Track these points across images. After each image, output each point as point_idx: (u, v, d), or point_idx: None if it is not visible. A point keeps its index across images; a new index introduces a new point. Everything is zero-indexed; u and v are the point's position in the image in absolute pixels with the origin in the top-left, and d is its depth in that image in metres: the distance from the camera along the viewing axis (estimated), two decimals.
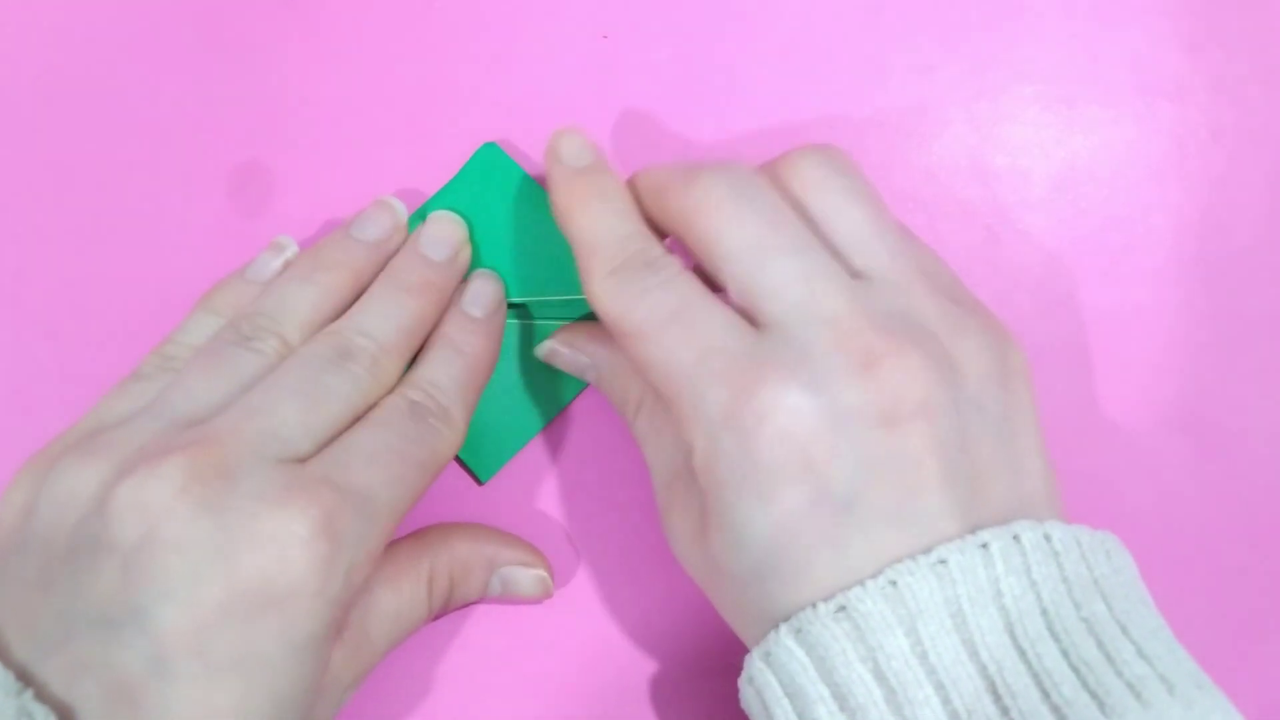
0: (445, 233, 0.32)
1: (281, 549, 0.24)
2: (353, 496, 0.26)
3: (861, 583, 0.24)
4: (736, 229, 0.26)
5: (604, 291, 0.27)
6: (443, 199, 0.33)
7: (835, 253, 0.27)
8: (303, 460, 0.26)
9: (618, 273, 0.27)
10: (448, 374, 0.30)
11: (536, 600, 0.32)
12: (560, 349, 0.32)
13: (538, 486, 0.33)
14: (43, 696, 0.24)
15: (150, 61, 0.34)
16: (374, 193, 0.34)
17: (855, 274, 0.26)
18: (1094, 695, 0.22)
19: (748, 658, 0.26)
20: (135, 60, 0.34)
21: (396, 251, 0.31)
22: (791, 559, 0.24)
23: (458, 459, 0.33)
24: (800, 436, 0.24)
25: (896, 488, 0.24)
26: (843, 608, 0.24)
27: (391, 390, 0.29)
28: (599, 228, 0.28)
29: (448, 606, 0.31)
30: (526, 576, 0.31)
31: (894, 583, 0.23)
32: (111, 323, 0.33)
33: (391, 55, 0.35)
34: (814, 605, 0.24)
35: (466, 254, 0.32)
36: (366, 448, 0.27)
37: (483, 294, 0.31)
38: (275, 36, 0.35)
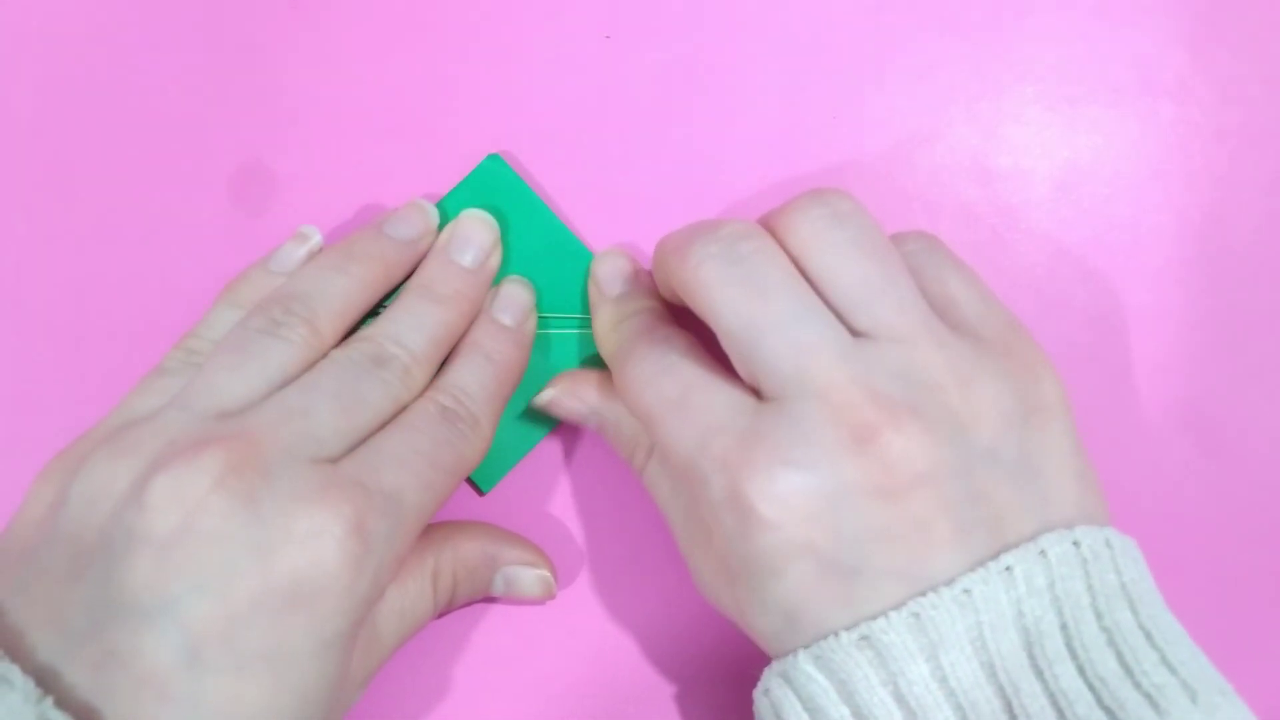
0: (476, 235, 0.31)
1: (316, 547, 0.25)
2: (383, 498, 0.26)
3: (885, 614, 0.24)
4: (728, 307, 0.26)
5: (621, 382, 0.29)
6: (444, 208, 0.33)
7: (837, 312, 0.26)
8: (333, 461, 0.26)
9: (624, 359, 0.29)
10: (478, 381, 0.30)
11: (539, 600, 0.32)
12: (561, 399, 0.31)
13: (542, 488, 0.33)
14: (66, 698, 0.23)
15: (152, 61, 0.34)
16: (376, 192, 0.34)
17: (858, 333, 0.26)
18: (1109, 711, 0.23)
19: (766, 671, 0.26)
20: (137, 59, 0.34)
21: (427, 252, 0.31)
22: (808, 619, 0.25)
23: None
24: (796, 517, 0.24)
25: (906, 551, 0.24)
26: (865, 638, 0.24)
27: (421, 394, 0.29)
28: (622, 340, 0.30)
29: (452, 604, 0.31)
30: (529, 576, 0.31)
31: (916, 615, 0.24)
32: (113, 322, 0.33)
33: (393, 55, 0.35)
34: (835, 634, 0.24)
35: (498, 257, 0.32)
36: (397, 451, 0.27)
37: (513, 301, 0.31)
38: (278, 36, 0.34)
